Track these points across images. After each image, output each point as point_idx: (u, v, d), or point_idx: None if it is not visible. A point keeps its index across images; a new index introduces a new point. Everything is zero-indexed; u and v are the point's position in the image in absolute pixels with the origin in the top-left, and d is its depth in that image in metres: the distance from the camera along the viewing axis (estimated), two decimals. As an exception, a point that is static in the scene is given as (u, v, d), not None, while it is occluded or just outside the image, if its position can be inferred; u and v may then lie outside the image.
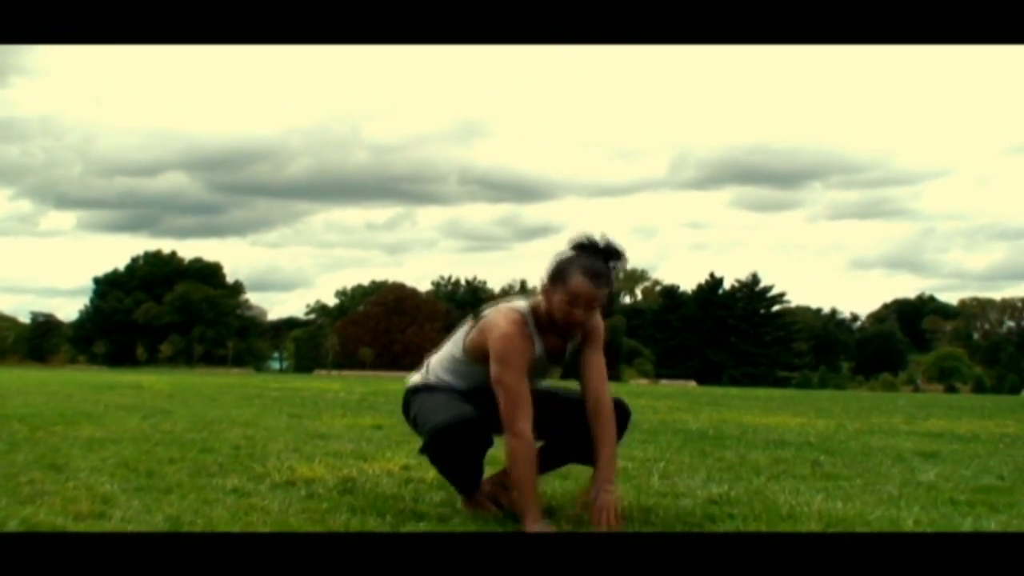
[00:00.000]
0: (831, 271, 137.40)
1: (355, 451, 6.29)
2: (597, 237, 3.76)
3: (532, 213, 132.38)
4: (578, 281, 3.63)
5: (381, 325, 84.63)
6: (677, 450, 6.96)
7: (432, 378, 4.08)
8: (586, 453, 3.86)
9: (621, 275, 3.56)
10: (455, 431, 3.75)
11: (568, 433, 3.97)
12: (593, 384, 3.86)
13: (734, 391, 35.64)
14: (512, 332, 3.72)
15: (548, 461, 4.09)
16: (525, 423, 3.62)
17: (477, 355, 3.86)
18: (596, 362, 3.90)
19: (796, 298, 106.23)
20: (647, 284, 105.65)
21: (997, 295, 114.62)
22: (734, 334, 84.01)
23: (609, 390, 3.88)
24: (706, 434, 8.83)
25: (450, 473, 3.99)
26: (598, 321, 3.88)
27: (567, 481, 4.70)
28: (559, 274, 3.69)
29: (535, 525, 3.52)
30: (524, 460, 3.61)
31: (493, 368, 3.70)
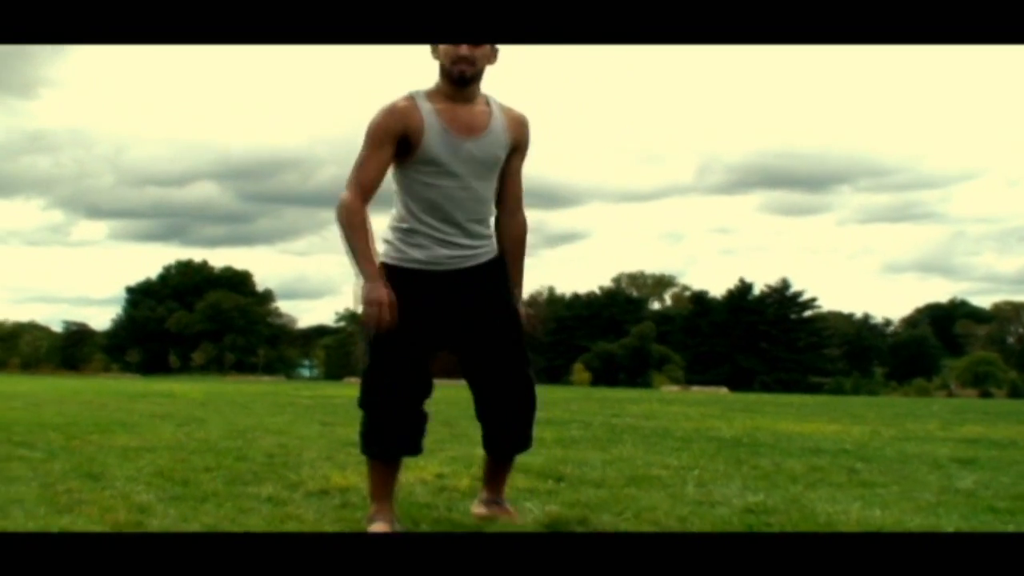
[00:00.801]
0: (862, 275, 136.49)
1: (389, 459, 6.28)
2: None
3: (558, 219, 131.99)
4: None
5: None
6: (711, 458, 6.93)
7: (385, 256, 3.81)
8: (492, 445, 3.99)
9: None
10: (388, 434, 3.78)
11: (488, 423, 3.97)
12: (512, 191, 3.89)
13: (766, 397, 35.44)
14: (379, 111, 3.67)
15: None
16: (354, 187, 3.67)
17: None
18: (518, 171, 3.88)
19: (827, 303, 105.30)
20: (676, 290, 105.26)
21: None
22: (765, 340, 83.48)
23: (522, 209, 3.94)
24: (740, 441, 8.78)
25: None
26: (527, 127, 3.85)
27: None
28: None
29: (375, 287, 3.58)
30: (347, 222, 3.65)
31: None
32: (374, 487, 3.86)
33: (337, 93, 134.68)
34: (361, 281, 3.64)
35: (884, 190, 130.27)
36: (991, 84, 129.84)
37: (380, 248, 3.78)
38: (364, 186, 3.67)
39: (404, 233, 3.76)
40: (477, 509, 4.11)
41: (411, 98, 3.68)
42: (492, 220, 3.89)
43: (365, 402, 3.81)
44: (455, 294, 3.76)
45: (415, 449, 3.83)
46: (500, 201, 3.88)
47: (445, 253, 3.74)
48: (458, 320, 3.79)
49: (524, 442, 3.98)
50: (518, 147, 3.84)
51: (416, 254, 3.73)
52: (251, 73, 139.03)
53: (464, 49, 3.59)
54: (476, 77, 3.68)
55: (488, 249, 3.86)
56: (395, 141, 3.64)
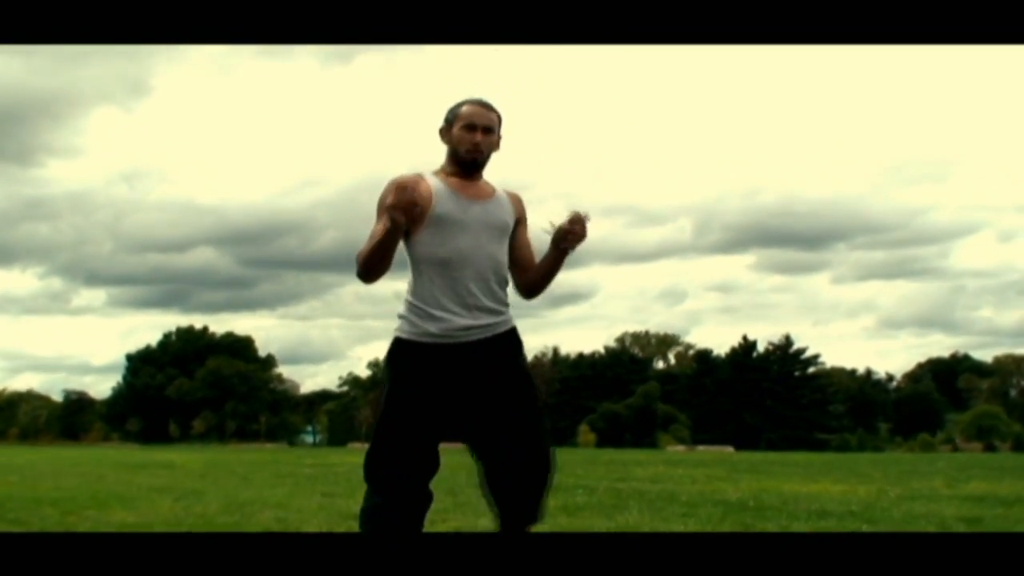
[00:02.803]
0: (862, 332, 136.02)
1: (389, 532, 6.18)
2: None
3: (560, 280, 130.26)
4: (469, 107, 3.87)
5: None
6: (718, 524, 6.83)
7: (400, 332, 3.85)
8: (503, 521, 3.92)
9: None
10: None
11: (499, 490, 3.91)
12: (528, 255, 4.00)
13: (772, 456, 35.22)
14: (387, 183, 3.79)
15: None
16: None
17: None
18: (526, 241, 4.00)
19: (830, 360, 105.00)
20: (679, 349, 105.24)
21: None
22: (770, 397, 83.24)
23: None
24: (747, 505, 8.68)
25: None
26: (522, 202, 4.01)
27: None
28: (450, 114, 3.90)
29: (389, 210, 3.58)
30: (359, 260, 3.75)
31: None
32: None
33: (337, 158, 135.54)
34: (381, 227, 3.67)
35: (880, 247, 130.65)
36: (983, 138, 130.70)
37: (396, 324, 3.84)
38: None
39: (418, 307, 3.80)
40: None
41: (418, 173, 3.84)
42: (508, 289, 3.94)
43: (369, 476, 3.78)
44: (470, 366, 3.76)
45: (415, 531, 3.75)
46: (519, 268, 3.99)
47: (461, 324, 3.76)
48: (473, 393, 3.78)
49: (535, 517, 3.94)
50: (521, 219, 3.99)
51: (430, 327, 3.75)
52: (249, 137, 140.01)
53: (479, 136, 3.83)
54: (485, 163, 3.91)
55: (505, 320, 3.90)
56: None
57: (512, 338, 3.91)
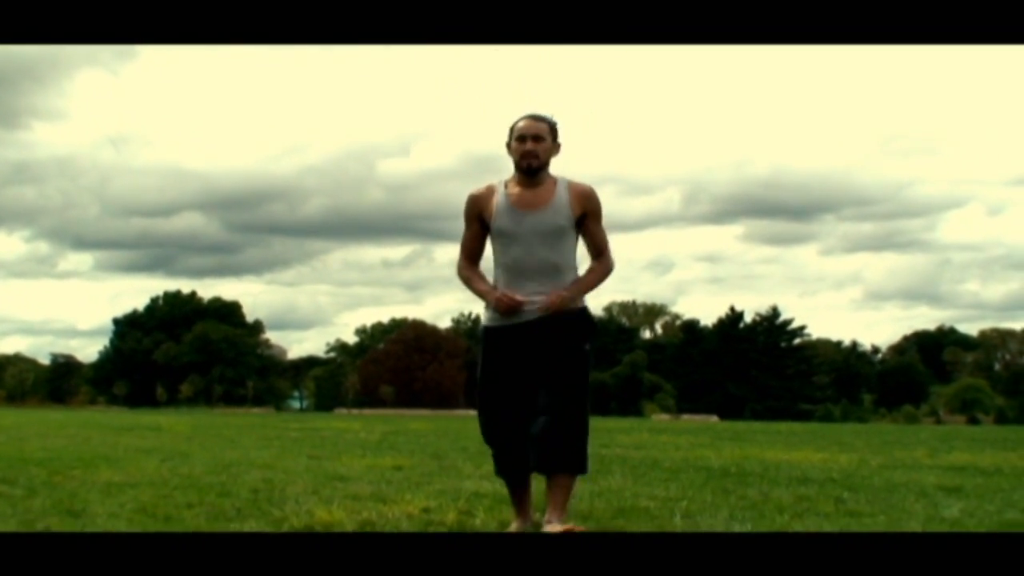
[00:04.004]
0: (849, 303, 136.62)
1: (374, 493, 6.24)
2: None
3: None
4: (522, 122, 4.56)
5: (401, 363, 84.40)
6: (699, 488, 6.90)
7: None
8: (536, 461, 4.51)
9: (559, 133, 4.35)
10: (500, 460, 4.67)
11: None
12: (593, 245, 4.70)
13: (756, 425, 35.42)
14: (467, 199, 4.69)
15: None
16: (461, 254, 4.78)
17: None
18: (594, 231, 4.66)
19: (816, 331, 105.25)
20: (667, 319, 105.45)
21: (1015, 325, 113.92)
22: (755, 368, 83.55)
23: (607, 255, 4.72)
24: (728, 471, 8.76)
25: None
26: (593, 196, 4.60)
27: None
28: (509, 133, 4.59)
29: (490, 294, 4.61)
30: (461, 276, 4.78)
31: None
32: (510, 498, 4.77)
33: (324, 123, 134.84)
34: (484, 302, 4.67)
35: (868, 219, 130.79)
36: (973, 112, 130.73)
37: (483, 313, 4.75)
38: (465, 253, 4.76)
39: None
40: (544, 527, 4.47)
41: (492, 185, 4.65)
42: (571, 278, 4.59)
43: (483, 435, 4.70)
44: (534, 341, 4.51)
45: (526, 468, 4.57)
46: (590, 254, 4.72)
47: (526, 308, 4.52)
48: (535, 364, 4.51)
49: (571, 461, 4.48)
50: (588, 213, 4.59)
51: (500, 316, 4.59)
52: (237, 102, 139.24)
53: (529, 144, 4.50)
54: (542, 168, 4.56)
55: (570, 306, 4.56)
56: (475, 219, 4.66)
57: (570, 317, 4.56)
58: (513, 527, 4.61)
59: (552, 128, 4.59)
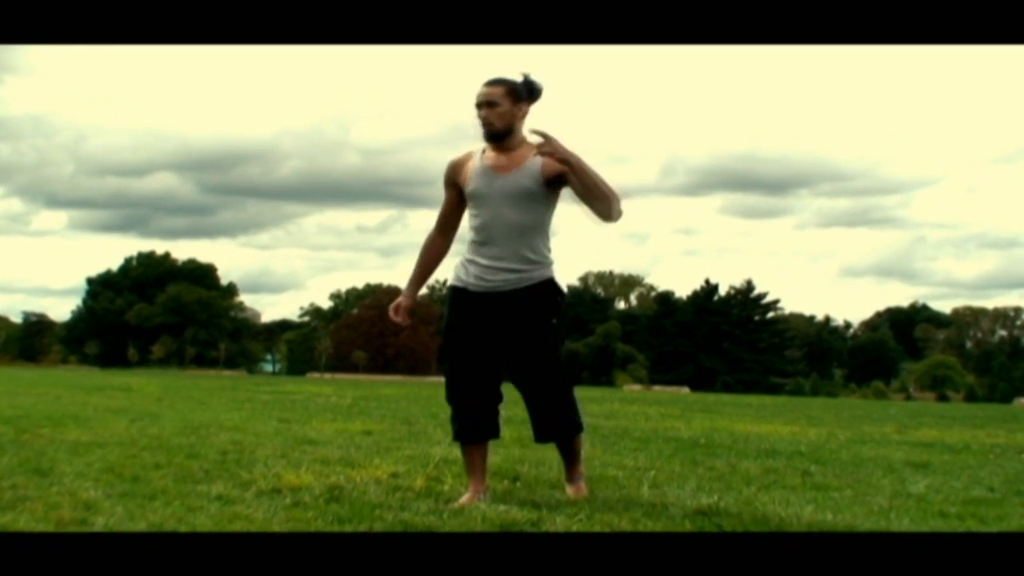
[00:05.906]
0: (822, 279, 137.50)
1: (343, 458, 6.23)
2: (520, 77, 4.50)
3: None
4: (478, 91, 4.46)
5: (375, 328, 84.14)
6: (668, 459, 6.92)
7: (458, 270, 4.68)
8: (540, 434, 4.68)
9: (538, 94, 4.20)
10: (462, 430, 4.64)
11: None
12: (585, 197, 4.48)
13: (727, 398, 35.62)
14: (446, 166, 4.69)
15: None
16: (436, 221, 4.78)
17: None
18: (573, 180, 4.43)
19: (789, 305, 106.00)
20: (641, 290, 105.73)
21: (987, 304, 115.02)
22: (728, 340, 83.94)
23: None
24: (697, 442, 8.80)
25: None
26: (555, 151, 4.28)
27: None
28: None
29: (404, 292, 4.82)
30: (422, 249, 4.81)
31: None
32: (465, 465, 4.73)
33: (301, 85, 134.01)
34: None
35: (843, 195, 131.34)
36: (951, 90, 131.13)
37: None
38: (439, 220, 4.77)
39: (464, 259, 4.63)
40: (566, 488, 4.83)
41: (472, 152, 4.63)
42: (542, 247, 4.56)
43: (447, 396, 4.67)
44: (498, 313, 4.49)
45: (483, 434, 4.60)
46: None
47: (490, 277, 4.50)
48: (500, 335, 4.51)
49: (564, 428, 4.65)
50: (564, 173, 4.39)
51: (468, 277, 4.57)
52: (213, 63, 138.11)
53: (484, 112, 4.43)
54: (503, 132, 4.46)
55: (536, 275, 4.52)
56: (452, 185, 4.64)
57: (540, 289, 4.52)
58: (464, 499, 4.46)
59: (512, 89, 4.44)
